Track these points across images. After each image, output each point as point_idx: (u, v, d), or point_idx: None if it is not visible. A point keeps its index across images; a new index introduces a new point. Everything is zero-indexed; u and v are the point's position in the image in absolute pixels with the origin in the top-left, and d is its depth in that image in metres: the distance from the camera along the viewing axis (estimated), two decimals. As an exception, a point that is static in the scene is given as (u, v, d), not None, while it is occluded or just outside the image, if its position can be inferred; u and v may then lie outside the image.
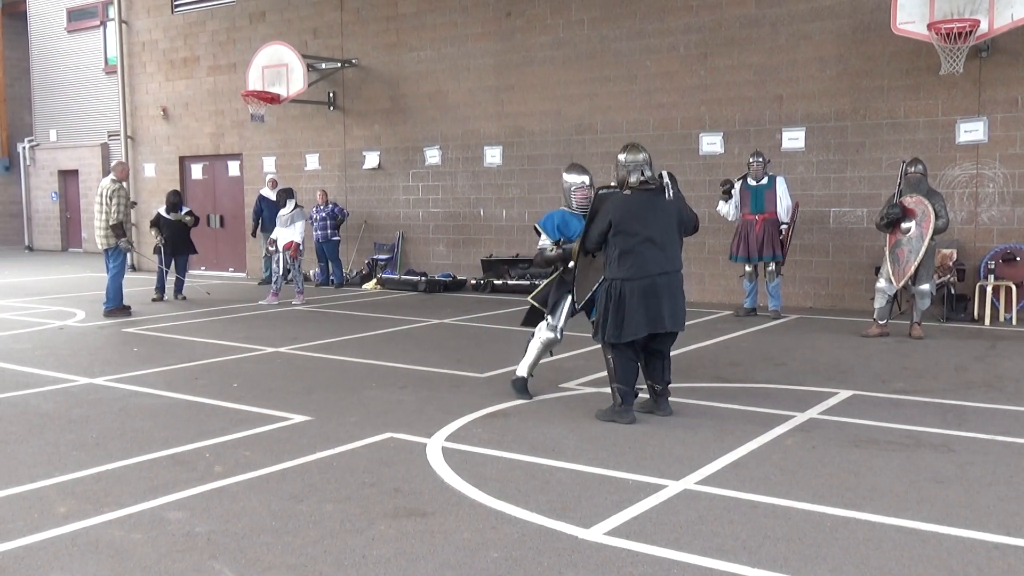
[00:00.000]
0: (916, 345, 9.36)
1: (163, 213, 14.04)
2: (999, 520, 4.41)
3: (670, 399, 6.55)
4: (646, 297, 6.19)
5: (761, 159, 11.17)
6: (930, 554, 4.03)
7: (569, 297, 6.96)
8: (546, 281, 7.14)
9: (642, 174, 6.34)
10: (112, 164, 12.70)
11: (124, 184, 12.07)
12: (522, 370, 7.14)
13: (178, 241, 13.98)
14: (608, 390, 6.51)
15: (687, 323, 6.66)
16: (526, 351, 7.13)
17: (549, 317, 7.02)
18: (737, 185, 11.19)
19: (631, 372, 6.33)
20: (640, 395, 6.49)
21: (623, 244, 6.23)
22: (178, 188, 15.00)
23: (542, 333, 7.03)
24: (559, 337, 7.04)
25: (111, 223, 11.79)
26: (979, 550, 4.06)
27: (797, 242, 12.10)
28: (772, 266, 11.19)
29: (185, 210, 14.17)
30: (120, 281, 12.16)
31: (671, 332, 6.37)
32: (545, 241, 6.97)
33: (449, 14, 15.35)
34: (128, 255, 12.40)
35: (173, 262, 14.09)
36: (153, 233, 14.23)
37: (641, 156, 6.38)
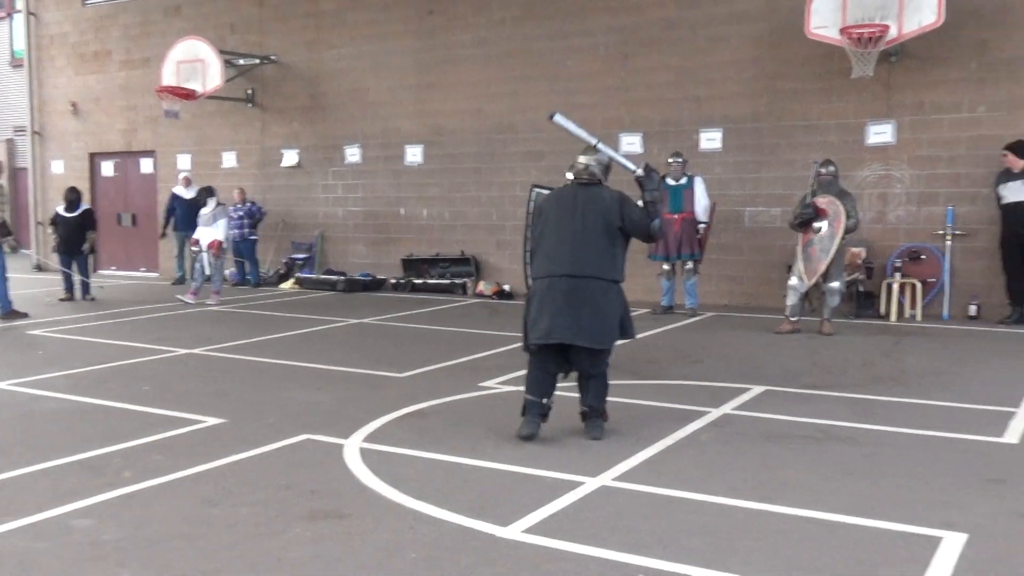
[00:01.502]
0: (826, 341, 9.61)
1: (61, 211, 13.55)
2: (903, 509, 4.54)
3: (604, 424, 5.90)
4: (544, 301, 5.72)
5: (680, 159, 11.37)
6: (838, 544, 4.13)
7: None
8: None
9: (586, 168, 5.98)
10: None
11: (3, 182, 11.48)
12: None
13: (74, 241, 13.43)
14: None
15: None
16: None
17: None
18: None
19: (537, 383, 5.81)
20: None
21: (538, 237, 5.92)
22: (77, 186, 14.39)
23: None
24: None
25: None
26: (884, 539, 4.19)
27: (714, 241, 12.31)
28: (690, 264, 11.39)
29: (87, 239, 13.45)
30: (5, 284, 11.46)
31: (584, 348, 5.70)
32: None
33: (370, 11, 15.22)
34: (4, 255, 11.58)
35: (73, 263, 13.58)
36: (50, 232, 13.74)
37: (586, 156, 6.01)
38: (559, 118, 6.22)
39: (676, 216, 11.23)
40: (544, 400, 5.82)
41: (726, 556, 4.01)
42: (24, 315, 11.60)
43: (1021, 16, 10.78)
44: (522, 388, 7.20)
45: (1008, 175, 10.39)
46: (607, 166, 6.14)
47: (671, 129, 12.86)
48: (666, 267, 11.49)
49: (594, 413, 5.88)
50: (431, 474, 5.19)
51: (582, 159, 6.04)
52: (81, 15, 18.61)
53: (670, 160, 11.41)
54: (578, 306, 5.66)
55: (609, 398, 6.57)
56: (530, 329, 5.79)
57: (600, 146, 6.00)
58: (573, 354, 5.77)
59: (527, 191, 13.84)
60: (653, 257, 11.54)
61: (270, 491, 4.91)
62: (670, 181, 11.30)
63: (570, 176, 6.06)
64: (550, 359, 5.81)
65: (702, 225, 11.40)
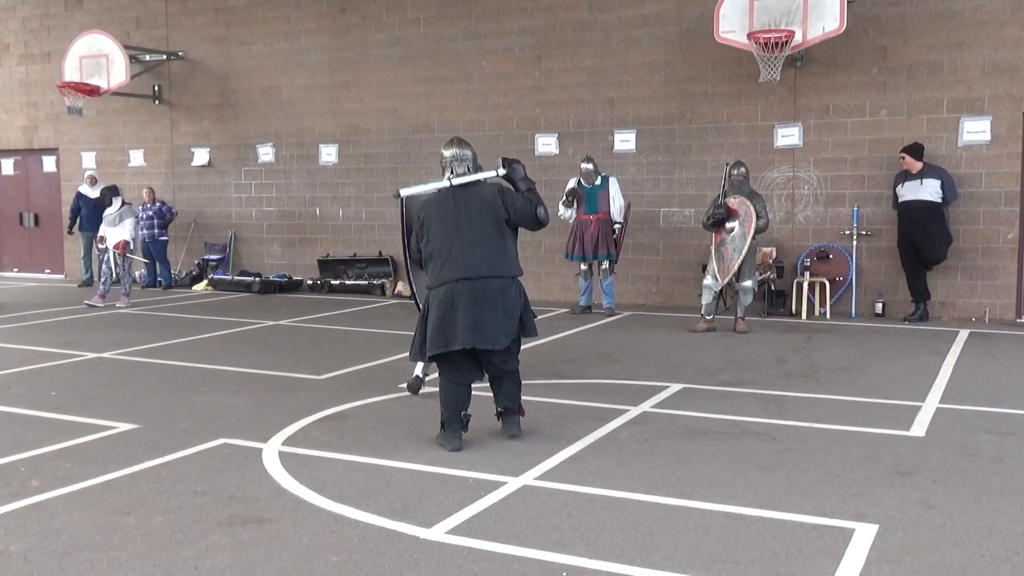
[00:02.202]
0: (740, 339, 9.83)
1: None
2: (817, 502, 4.68)
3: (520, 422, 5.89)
4: (440, 309, 5.53)
5: (591, 165, 11.49)
6: (755, 537, 4.23)
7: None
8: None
9: (452, 172, 5.81)
10: None
11: None
12: (416, 371, 7.13)
13: None
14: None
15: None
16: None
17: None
18: (571, 183, 11.49)
19: (453, 396, 5.66)
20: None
21: (428, 247, 5.68)
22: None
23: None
24: None
25: None
26: (799, 531, 4.30)
27: (629, 241, 12.47)
28: (606, 264, 11.51)
29: None
30: None
31: (490, 350, 5.58)
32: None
33: (281, 8, 14.99)
34: None
35: None
36: None
37: (452, 152, 5.86)
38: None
39: (592, 217, 11.35)
40: (462, 412, 5.71)
41: (648, 552, 4.06)
42: None
43: (918, 24, 11.19)
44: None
45: (906, 176, 10.78)
46: (477, 164, 6.06)
47: (586, 130, 12.98)
48: (584, 267, 11.59)
49: (511, 411, 5.86)
50: (352, 476, 5.15)
51: (459, 167, 5.85)
52: (-23, 7, 17.88)
53: (582, 165, 11.52)
54: (480, 308, 5.52)
55: (530, 398, 6.60)
56: (430, 340, 5.59)
57: (454, 181, 5.81)
58: (482, 356, 5.67)
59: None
60: (570, 257, 11.65)
61: (186, 497, 4.80)
62: (584, 184, 11.42)
63: (448, 179, 5.82)
64: (462, 367, 5.68)
65: (617, 225, 11.54)
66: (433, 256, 5.67)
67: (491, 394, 6.00)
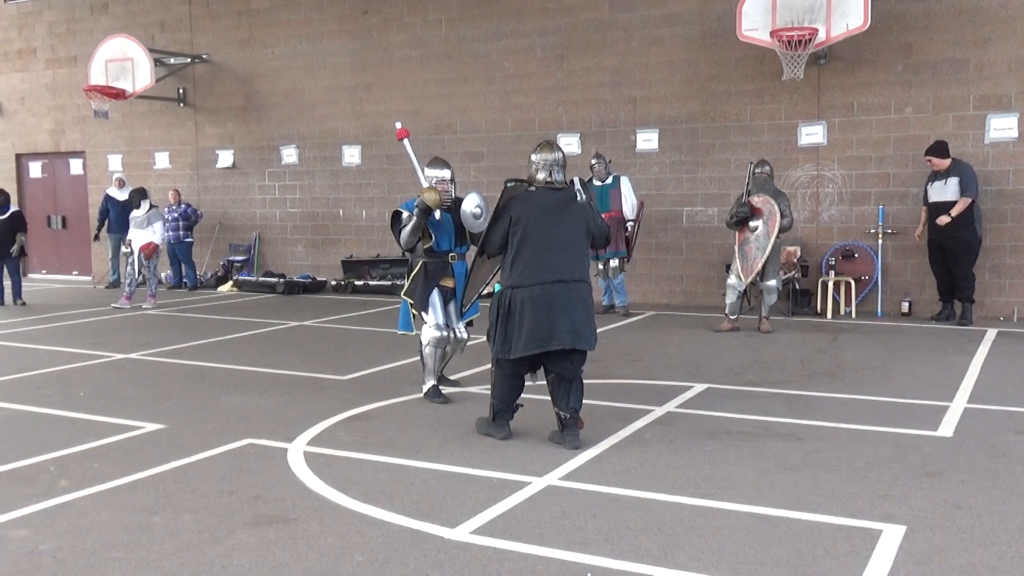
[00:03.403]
0: (765, 339, 9.78)
1: None
2: (843, 503, 4.65)
3: (581, 430, 5.79)
4: (536, 309, 5.58)
5: (603, 160, 11.41)
6: (780, 538, 4.21)
7: (436, 291, 6.91)
8: (412, 275, 7.02)
9: (550, 174, 5.86)
10: None
11: None
12: (427, 383, 6.97)
13: (3, 244, 13.06)
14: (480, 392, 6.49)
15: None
16: (421, 361, 7.03)
17: (424, 315, 6.92)
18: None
19: (510, 390, 5.84)
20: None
21: (520, 245, 5.69)
22: (4, 188, 14.02)
23: (425, 334, 6.91)
24: (447, 334, 6.90)
25: None
26: (825, 532, 4.27)
27: (652, 240, 12.44)
28: (615, 262, 11.31)
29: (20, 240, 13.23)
30: None
31: (572, 351, 5.68)
32: (406, 217, 6.87)
33: (304, 10, 15.06)
34: None
35: (3, 267, 13.21)
36: None
37: (553, 156, 5.88)
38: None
39: (603, 215, 11.17)
40: (515, 404, 5.91)
41: (672, 552, 4.05)
42: None
43: (943, 21, 11.09)
44: (467, 389, 7.23)
45: (935, 175, 10.64)
46: None
47: (608, 130, 12.96)
48: (600, 267, 11.41)
49: (574, 419, 5.73)
50: (377, 476, 5.16)
51: (558, 173, 5.90)
52: (2, 12, 18.07)
53: (592, 162, 11.42)
54: (572, 310, 5.63)
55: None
56: (512, 338, 5.64)
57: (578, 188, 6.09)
58: (555, 358, 5.68)
59: (466, 192, 13.86)
60: None
61: (212, 497, 4.84)
62: (595, 182, 11.32)
63: (543, 178, 5.88)
64: (525, 366, 5.79)
65: (630, 223, 11.41)
66: (522, 254, 5.70)
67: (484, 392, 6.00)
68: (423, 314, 6.94)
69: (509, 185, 5.92)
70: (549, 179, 5.87)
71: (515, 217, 5.75)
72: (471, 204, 6.75)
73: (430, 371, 6.97)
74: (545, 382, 5.89)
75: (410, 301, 7.00)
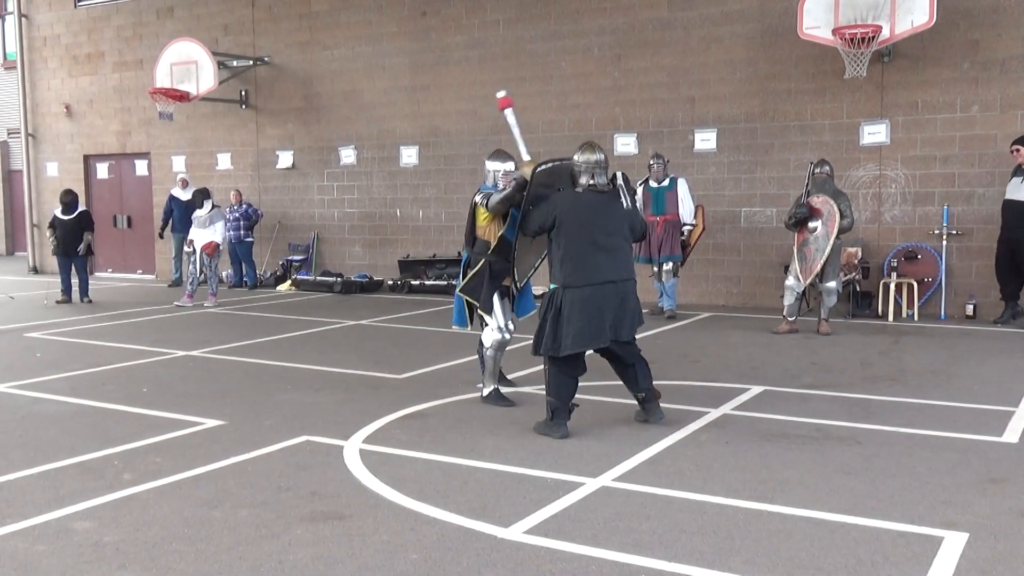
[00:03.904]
0: (824, 341, 9.63)
1: (58, 215, 13.55)
2: (903, 509, 4.56)
3: (662, 404, 6.16)
4: (587, 308, 5.79)
5: (661, 161, 11.18)
6: (838, 544, 4.14)
7: (497, 292, 6.73)
8: (472, 272, 6.78)
9: (592, 177, 5.95)
10: None
11: None
12: (488, 386, 6.87)
13: (71, 243, 13.46)
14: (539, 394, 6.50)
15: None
16: (481, 363, 6.91)
17: (487, 317, 6.75)
18: (639, 188, 11.14)
19: (566, 387, 5.94)
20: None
21: (567, 247, 5.83)
22: (73, 188, 14.39)
23: (487, 337, 6.77)
24: (508, 337, 6.77)
25: None
26: (885, 539, 4.20)
27: (710, 241, 12.32)
28: (668, 266, 11.11)
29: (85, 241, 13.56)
30: None
31: (627, 340, 6.02)
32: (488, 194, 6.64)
33: (363, 12, 15.22)
34: None
35: (71, 265, 13.57)
36: (48, 235, 13.80)
37: (595, 158, 5.97)
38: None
39: (659, 218, 10.96)
40: (572, 403, 6.00)
41: (728, 556, 4.01)
42: None
43: (1012, 16, 10.82)
44: (522, 389, 7.24)
45: (1017, 170, 10.29)
46: None
47: (665, 130, 12.87)
48: (655, 269, 11.23)
49: (652, 395, 6.11)
50: (431, 475, 5.20)
51: (600, 176, 5.99)
52: (73, 16, 18.56)
53: (651, 162, 11.21)
54: (620, 307, 5.92)
55: (608, 399, 6.65)
56: (563, 336, 5.79)
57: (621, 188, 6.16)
58: (616, 349, 6.01)
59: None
60: (637, 259, 11.40)
61: (270, 493, 4.91)
62: (652, 183, 11.18)
63: (585, 182, 5.97)
64: (578, 363, 5.99)
65: (687, 227, 11.16)
66: (570, 255, 5.84)
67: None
68: (488, 317, 6.76)
69: (544, 167, 6.09)
70: (592, 183, 5.98)
71: (559, 217, 5.87)
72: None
73: (491, 374, 6.86)
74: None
75: (467, 299, 6.86)
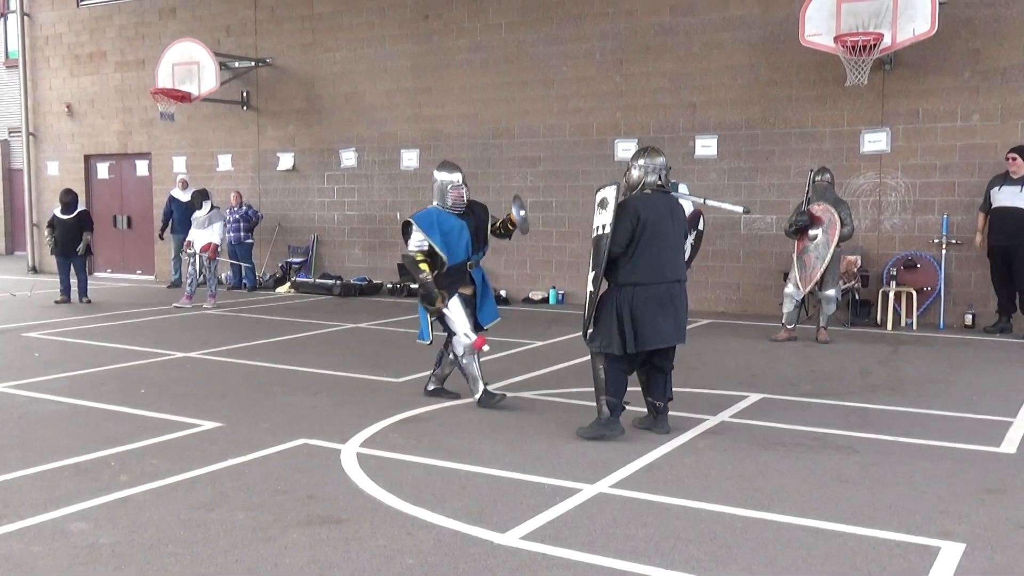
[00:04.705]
0: (822, 349, 9.63)
1: (58, 214, 13.54)
2: (900, 519, 4.55)
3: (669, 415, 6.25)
4: (662, 306, 5.91)
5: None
6: (835, 552, 4.14)
7: (458, 298, 6.86)
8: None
9: (660, 178, 6.08)
10: None
11: None
12: (477, 391, 6.90)
13: (71, 243, 13.45)
14: (535, 398, 6.50)
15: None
16: (463, 374, 6.94)
17: (453, 327, 6.87)
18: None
19: (623, 385, 6.02)
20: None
21: (643, 246, 5.89)
22: (73, 188, 14.40)
23: (458, 346, 6.87)
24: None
25: None
26: (881, 548, 4.19)
27: (709, 247, 12.31)
28: None
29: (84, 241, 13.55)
30: None
31: (672, 346, 6.11)
32: (419, 243, 6.80)
33: (366, 15, 15.23)
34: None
35: (70, 265, 13.56)
36: (46, 234, 13.80)
37: (661, 159, 6.12)
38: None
39: None
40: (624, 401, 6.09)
41: (724, 564, 4.01)
42: None
43: (1014, 26, 10.83)
44: (521, 393, 7.23)
45: (1005, 179, 10.34)
46: None
47: (666, 135, 12.87)
48: None
49: (666, 409, 6.19)
50: (428, 479, 5.19)
51: (661, 162, 6.12)
52: (76, 16, 18.58)
53: None
54: (682, 308, 6.06)
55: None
56: (636, 334, 5.86)
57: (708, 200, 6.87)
58: (657, 353, 6.07)
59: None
60: None
61: (267, 496, 4.90)
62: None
63: (641, 183, 6.10)
64: (636, 362, 6.07)
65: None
66: (645, 253, 5.91)
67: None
68: (452, 326, 6.86)
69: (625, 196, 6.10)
70: (660, 182, 6.10)
71: (642, 217, 5.92)
72: (522, 218, 7.00)
73: (475, 378, 6.90)
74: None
75: (430, 310, 6.92)
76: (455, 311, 6.87)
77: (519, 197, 7.32)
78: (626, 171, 6.23)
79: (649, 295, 5.89)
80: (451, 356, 7.00)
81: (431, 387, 7.24)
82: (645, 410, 6.30)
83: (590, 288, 6.01)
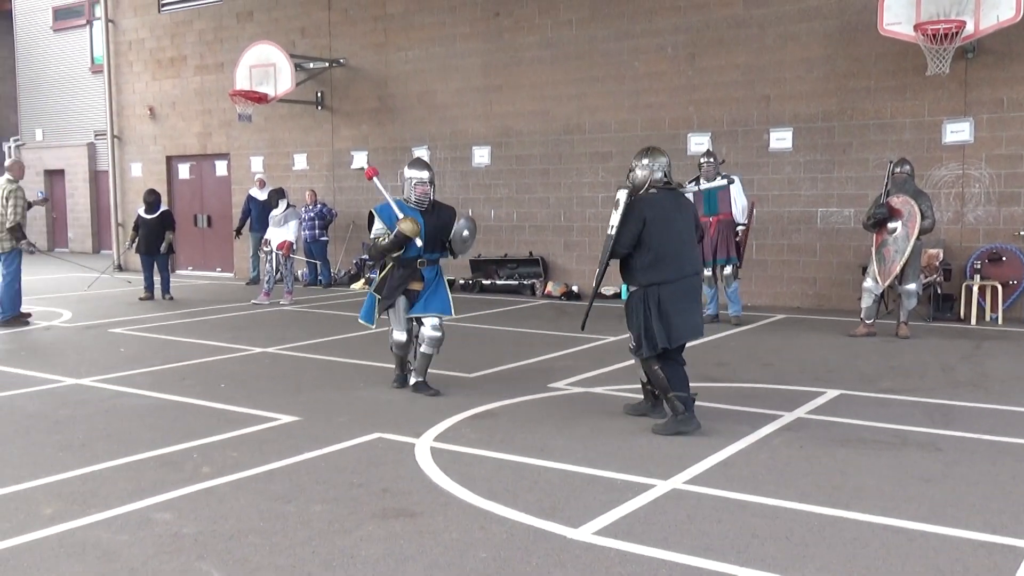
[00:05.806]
0: (903, 345, 9.40)
1: (142, 214, 13.95)
2: (985, 518, 4.43)
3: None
4: (689, 299, 6.07)
5: (713, 160, 10.73)
6: (917, 552, 4.04)
7: (403, 297, 7.20)
8: (383, 273, 7.31)
9: (665, 175, 6.18)
10: (7, 163, 11.70)
11: (20, 184, 11.35)
12: (412, 378, 7.38)
13: (154, 242, 13.82)
14: (595, 392, 6.48)
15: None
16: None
17: (391, 320, 7.26)
18: (690, 188, 10.66)
19: (684, 378, 6.09)
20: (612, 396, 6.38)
21: (658, 246, 5.98)
22: (155, 188, 14.83)
23: (391, 338, 7.33)
24: (407, 339, 7.28)
25: (8, 225, 11.04)
26: (965, 548, 4.08)
27: (784, 241, 12.13)
28: (728, 270, 10.71)
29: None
30: (16, 287, 11.31)
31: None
32: (378, 230, 7.12)
33: (437, 14, 15.34)
34: (21, 256, 11.40)
35: (153, 263, 13.94)
36: (131, 235, 14.21)
37: (665, 158, 6.21)
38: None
39: (711, 219, 10.53)
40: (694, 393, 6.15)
41: (801, 563, 3.95)
42: (26, 316, 11.42)
43: (1107, 10, 10.42)
44: (591, 389, 7.22)
45: None
46: None
47: (740, 128, 12.71)
48: (707, 273, 10.57)
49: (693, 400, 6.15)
50: (501, 474, 5.21)
51: (665, 160, 6.22)
52: (157, 21, 19.09)
53: (702, 160, 10.78)
54: (697, 301, 6.21)
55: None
56: (672, 328, 5.96)
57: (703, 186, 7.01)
58: (674, 348, 6.13)
59: (595, 192, 13.86)
60: None
61: (342, 489, 4.98)
62: (704, 182, 10.76)
63: (647, 183, 6.16)
64: (677, 353, 6.15)
65: (741, 227, 10.78)
66: (663, 252, 5.99)
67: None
68: (388, 316, 7.30)
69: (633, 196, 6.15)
70: (667, 179, 6.19)
71: (649, 218, 5.99)
72: (460, 230, 7.27)
73: (417, 370, 7.32)
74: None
75: (378, 297, 7.31)
76: (397, 310, 7.24)
77: (469, 216, 7.62)
78: (629, 172, 6.26)
79: (675, 290, 6.02)
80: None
81: (412, 380, 7.40)
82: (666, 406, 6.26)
83: (593, 285, 6.36)
